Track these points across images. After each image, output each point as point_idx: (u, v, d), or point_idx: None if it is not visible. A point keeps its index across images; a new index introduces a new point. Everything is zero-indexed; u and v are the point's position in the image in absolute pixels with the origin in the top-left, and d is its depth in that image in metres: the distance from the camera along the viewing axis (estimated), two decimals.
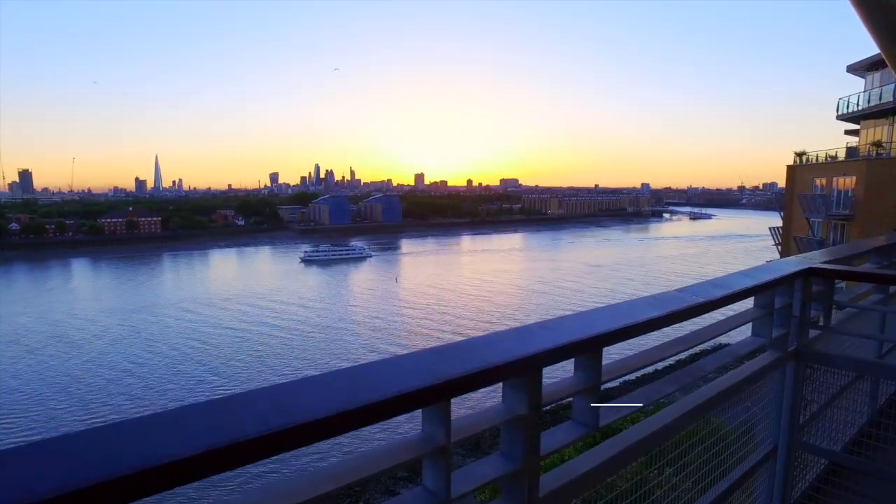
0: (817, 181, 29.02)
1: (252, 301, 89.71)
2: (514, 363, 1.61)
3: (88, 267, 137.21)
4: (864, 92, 28.48)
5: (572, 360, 2.03)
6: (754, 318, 3.19)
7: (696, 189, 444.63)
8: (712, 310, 2.72)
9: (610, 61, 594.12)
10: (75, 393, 50.56)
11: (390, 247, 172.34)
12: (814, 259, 3.73)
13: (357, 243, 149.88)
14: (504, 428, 1.78)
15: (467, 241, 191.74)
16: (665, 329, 2.42)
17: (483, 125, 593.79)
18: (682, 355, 2.87)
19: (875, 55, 28.49)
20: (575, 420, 2.11)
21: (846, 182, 26.00)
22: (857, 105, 28.69)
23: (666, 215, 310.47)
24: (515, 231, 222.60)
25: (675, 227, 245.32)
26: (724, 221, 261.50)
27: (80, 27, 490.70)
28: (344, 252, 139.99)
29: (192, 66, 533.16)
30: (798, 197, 29.37)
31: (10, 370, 56.89)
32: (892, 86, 25.93)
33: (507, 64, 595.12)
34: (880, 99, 26.72)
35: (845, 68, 31.40)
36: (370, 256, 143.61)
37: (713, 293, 2.69)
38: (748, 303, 3.12)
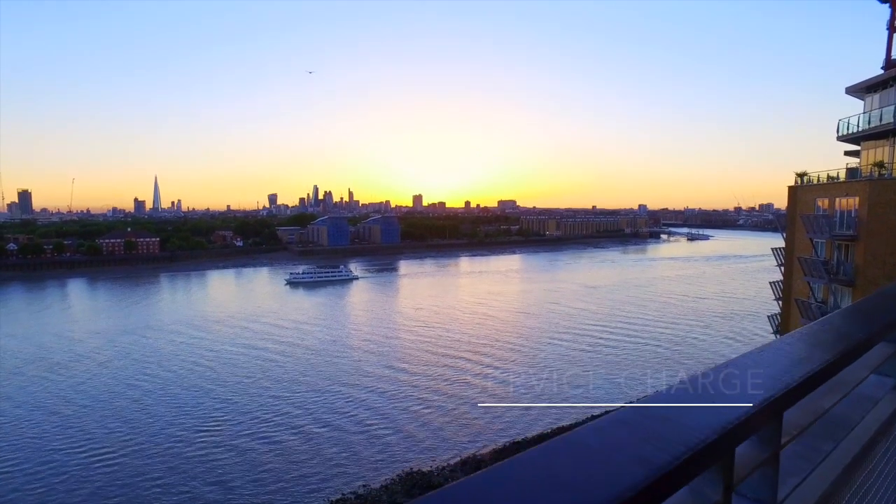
0: (819, 202, 29.13)
1: (244, 323, 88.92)
2: (718, 441, 1.30)
3: (86, 287, 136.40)
4: (864, 113, 28.79)
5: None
6: (889, 354, 2.78)
7: (693, 210, 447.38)
8: (871, 346, 2.38)
9: (608, 83, 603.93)
10: (69, 414, 49.85)
11: (387, 268, 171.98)
12: None
13: (344, 266, 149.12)
14: None
15: (465, 263, 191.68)
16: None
17: (481, 147, 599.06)
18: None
19: (873, 77, 28.88)
20: (745, 495, 1.69)
21: (849, 203, 26.09)
22: (858, 126, 28.99)
23: (663, 236, 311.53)
24: (513, 252, 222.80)
25: (673, 248, 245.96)
26: (722, 242, 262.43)
27: (80, 49, 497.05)
28: (330, 274, 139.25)
29: (192, 87, 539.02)
30: (801, 217, 29.42)
31: (22, 389, 56.62)
32: (892, 107, 26.24)
33: (506, 86, 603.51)
34: (881, 120, 26.99)
35: (843, 90, 31.84)
36: (357, 279, 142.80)
37: (867, 327, 2.35)
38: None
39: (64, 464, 40.84)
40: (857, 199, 25.80)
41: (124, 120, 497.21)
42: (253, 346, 73.76)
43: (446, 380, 59.57)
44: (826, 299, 28.93)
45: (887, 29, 30.92)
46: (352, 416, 50.03)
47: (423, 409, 51.71)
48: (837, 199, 27.28)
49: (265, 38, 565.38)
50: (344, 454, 42.64)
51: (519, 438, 44.99)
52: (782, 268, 34.44)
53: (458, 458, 42.11)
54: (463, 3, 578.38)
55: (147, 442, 44.42)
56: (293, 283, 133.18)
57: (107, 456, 41.96)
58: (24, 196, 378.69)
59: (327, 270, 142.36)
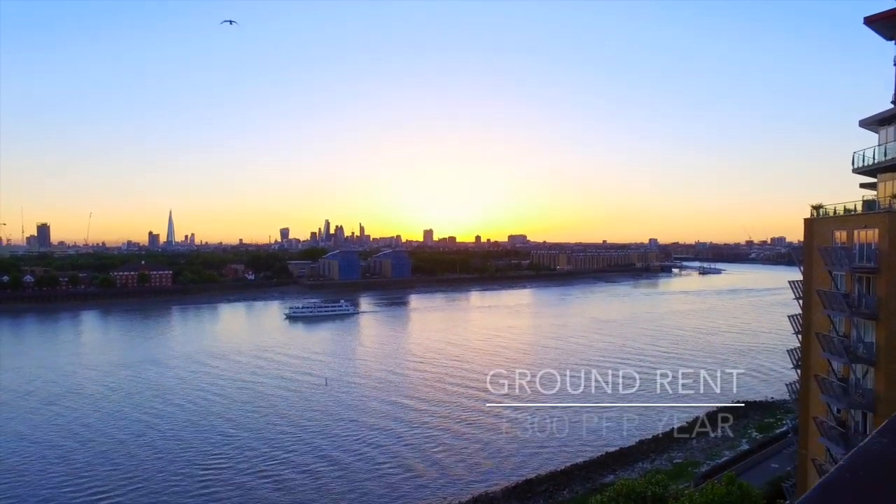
0: (837, 234, 28.73)
1: (258, 353, 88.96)
2: None
3: (99, 320, 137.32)
4: (880, 146, 28.74)
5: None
6: None
7: (704, 244, 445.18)
8: None
9: (619, 119, 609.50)
10: (94, 447, 50.37)
11: (397, 302, 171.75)
12: None
13: (345, 301, 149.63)
14: None
15: (476, 297, 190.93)
16: None
17: (491, 182, 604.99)
18: None
19: (887, 110, 28.93)
20: None
21: (868, 235, 25.73)
22: (874, 158, 28.89)
23: (675, 270, 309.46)
24: (524, 287, 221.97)
25: (685, 282, 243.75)
26: (734, 276, 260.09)
27: (99, 88, 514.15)
28: (329, 309, 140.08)
29: (207, 124, 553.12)
30: (820, 250, 29.03)
31: (28, 421, 57.35)
32: None
33: (517, 122, 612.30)
34: None
35: (855, 123, 31.85)
36: (357, 313, 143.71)
37: None
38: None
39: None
40: (876, 230, 25.44)
41: (141, 156, 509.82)
42: (264, 379, 73.58)
43: (454, 413, 58.58)
44: (848, 333, 28.25)
45: (894, 65, 31.17)
46: (364, 448, 49.22)
47: (431, 444, 50.83)
48: (856, 232, 26.91)
49: (276, 76, 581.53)
50: (357, 489, 41.86)
51: (532, 476, 43.88)
52: (800, 301, 33.81)
53: (470, 496, 41.05)
54: (471, 42, 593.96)
55: (182, 470, 45.15)
56: (292, 318, 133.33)
57: (136, 487, 42.58)
58: (43, 229, 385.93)
59: (327, 305, 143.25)
